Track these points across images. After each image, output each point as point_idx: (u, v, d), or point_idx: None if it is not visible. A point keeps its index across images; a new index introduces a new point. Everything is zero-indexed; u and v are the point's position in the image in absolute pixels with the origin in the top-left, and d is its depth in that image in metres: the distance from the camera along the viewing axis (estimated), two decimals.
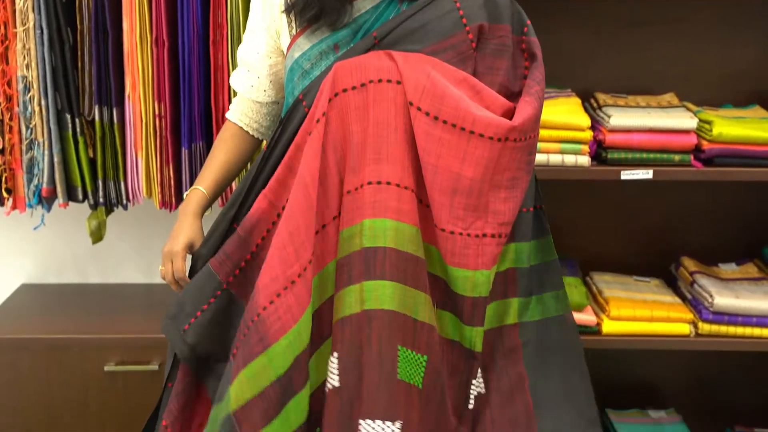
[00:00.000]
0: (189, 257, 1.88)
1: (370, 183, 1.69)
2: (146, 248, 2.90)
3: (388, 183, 1.69)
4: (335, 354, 1.69)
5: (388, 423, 1.66)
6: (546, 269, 1.88)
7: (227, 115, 1.99)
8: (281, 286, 1.67)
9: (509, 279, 1.82)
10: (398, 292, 1.68)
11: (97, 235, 2.67)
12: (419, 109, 1.67)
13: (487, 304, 1.74)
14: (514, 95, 1.79)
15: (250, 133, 1.96)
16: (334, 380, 1.69)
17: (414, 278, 1.69)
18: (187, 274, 1.84)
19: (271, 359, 1.66)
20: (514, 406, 1.81)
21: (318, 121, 1.70)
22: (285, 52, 1.87)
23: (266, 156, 1.80)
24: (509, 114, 1.72)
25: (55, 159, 2.44)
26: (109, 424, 2.55)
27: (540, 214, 1.87)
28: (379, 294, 1.67)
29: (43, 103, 2.41)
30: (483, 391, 1.79)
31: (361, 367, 1.67)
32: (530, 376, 1.83)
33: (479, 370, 1.79)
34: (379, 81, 1.69)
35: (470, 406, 1.77)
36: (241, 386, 1.66)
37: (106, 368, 2.52)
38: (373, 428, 1.66)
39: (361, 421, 1.65)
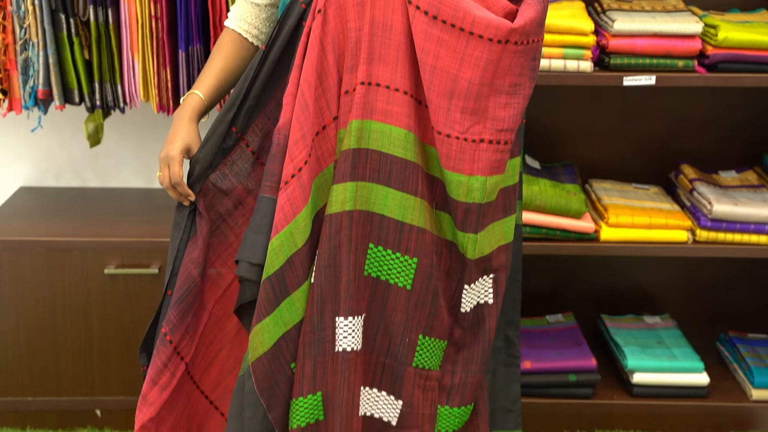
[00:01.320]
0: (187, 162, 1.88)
1: (362, 83, 1.68)
2: (145, 152, 2.89)
3: (378, 84, 1.67)
4: (317, 251, 1.71)
5: (357, 318, 1.73)
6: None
7: (226, 22, 1.94)
8: None
9: (517, 193, 1.83)
10: (376, 193, 1.70)
11: (95, 139, 2.66)
12: (418, 7, 1.63)
13: (486, 211, 1.73)
14: None
15: (249, 39, 1.92)
16: (311, 276, 1.72)
17: (400, 181, 1.70)
18: (185, 179, 1.83)
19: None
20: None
21: (314, 18, 1.68)
22: None
23: (263, 57, 1.77)
24: (512, 16, 1.68)
25: (50, 60, 2.41)
26: (111, 327, 2.58)
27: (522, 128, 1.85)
28: (360, 195, 1.69)
29: (36, 2, 2.37)
30: (491, 301, 1.81)
31: (339, 267, 1.70)
32: None
33: (492, 281, 1.80)
34: None
35: (463, 310, 1.79)
36: None
37: (106, 271, 2.53)
38: (346, 325, 1.71)
39: (337, 319, 1.71)
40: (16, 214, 2.72)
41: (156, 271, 2.53)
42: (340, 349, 1.72)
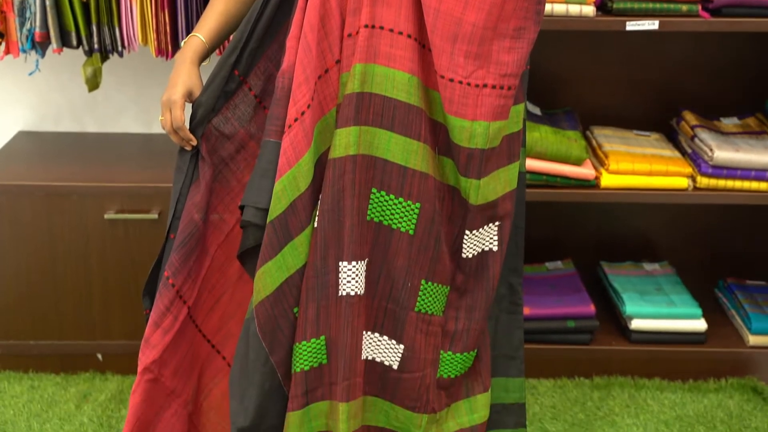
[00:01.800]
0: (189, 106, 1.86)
1: (366, 26, 1.66)
2: (144, 98, 2.86)
3: (381, 27, 1.66)
4: (321, 196, 1.71)
5: (360, 262, 1.73)
6: None
7: None
8: None
9: (521, 139, 1.81)
10: (379, 137, 1.69)
11: (93, 83, 2.64)
12: None
13: (490, 157, 1.72)
14: None
15: None
16: (314, 221, 1.72)
17: (404, 126, 1.69)
18: (187, 124, 1.82)
19: None
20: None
21: None
22: None
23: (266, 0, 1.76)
24: None
25: (47, 2, 2.38)
26: (111, 271, 2.59)
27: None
28: (363, 139, 1.69)
29: None
30: (496, 248, 1.81)
31: (342, 211, 1.70)
32: None
33: (497, 228, 1.80)
34: None
35: (464, 255, 1.79)
36: None
37: (106, 216, 2.53)
38: (350, 269, 1.72)
39: (341, 263, 1.71)
40: (14, 158, 2.70)
41: (156, 216, 2.53)
42: (344, 293, 1.73)
